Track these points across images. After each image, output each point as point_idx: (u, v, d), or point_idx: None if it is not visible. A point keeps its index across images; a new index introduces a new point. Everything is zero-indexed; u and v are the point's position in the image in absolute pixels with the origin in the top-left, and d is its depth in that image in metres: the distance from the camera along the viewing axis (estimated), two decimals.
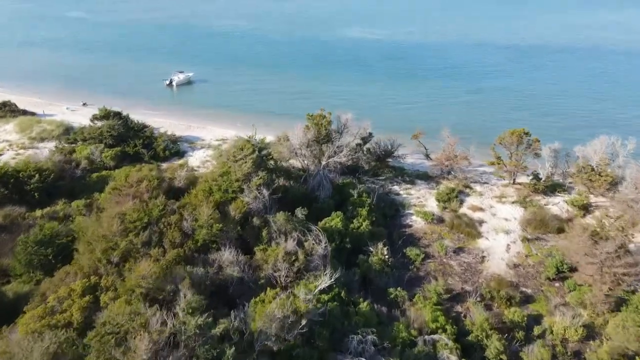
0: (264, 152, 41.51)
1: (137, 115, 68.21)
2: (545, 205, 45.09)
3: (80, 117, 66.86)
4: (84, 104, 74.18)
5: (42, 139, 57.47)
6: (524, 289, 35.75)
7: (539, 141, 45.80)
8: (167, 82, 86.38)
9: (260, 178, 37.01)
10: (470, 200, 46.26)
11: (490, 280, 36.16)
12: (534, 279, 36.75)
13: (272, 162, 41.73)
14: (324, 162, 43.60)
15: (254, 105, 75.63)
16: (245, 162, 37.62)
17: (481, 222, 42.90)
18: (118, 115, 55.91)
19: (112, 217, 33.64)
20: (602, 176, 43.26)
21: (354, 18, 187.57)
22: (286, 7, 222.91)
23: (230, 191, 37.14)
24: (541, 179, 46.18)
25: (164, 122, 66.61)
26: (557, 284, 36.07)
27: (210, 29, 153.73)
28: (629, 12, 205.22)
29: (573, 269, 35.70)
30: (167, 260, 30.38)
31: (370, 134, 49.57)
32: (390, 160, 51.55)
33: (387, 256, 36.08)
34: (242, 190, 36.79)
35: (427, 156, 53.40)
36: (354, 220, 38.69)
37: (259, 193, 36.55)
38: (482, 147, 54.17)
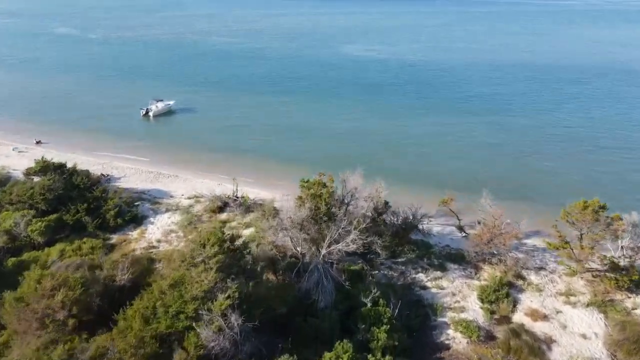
0: (239, 242, 29.04)
1: (97, 159, 56.86)
2: (633, 309, 32.33)
3: (27, 161, 54.67)
4: (37, 142, 62.12)
5: None
6: None
7: (621, 219, 33.20)
8: (143, 112, 74.47)
9: (229, 297, 24.41)
10: (527, 300, 33.45)
11: None
12: None
13: (249, 257, 29.10)
14: (323, 251, 31.02)
15: (241, 143, 63.43)
16: (207, 271, 25.09)
17: (549, 340, 30.05)
18: (60, 168, 43.56)
19: None
20: None
21: (356, 34, 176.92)
22: (282, 22, 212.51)
23: (182, 317, 24.55)
24: (623, 267, 33.47)
25: (129, 169, 54.40)
26: None
27: (204, 46, 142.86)
28: None
29: None
30: None
31: (387, 204, 37.10)
32: (412, 234, 38.98)
33: None
34: (198, 318, 24.21)
35: (461, 229, 40.82)
36: (370, 357, 25.91)
37: (226, 322, 23.95)
38: (515, 204, 42.01)
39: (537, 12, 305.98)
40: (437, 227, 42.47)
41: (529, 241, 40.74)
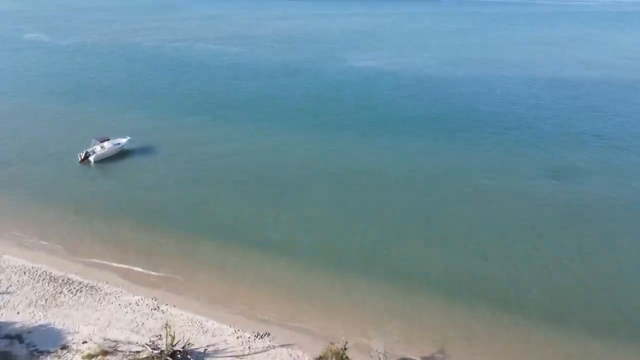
0: None
1: None
2: None
3: None
4: None
5: None
6: None
7: None
8: (82, 156, 54.54)
9: None
10: None
11: None
12: None
13: None
14: None
15: (211, 217, 42.95)
16: None
17: None
18: None
19: None
20: None
21: (361, 39, 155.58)
22: (279, 26, 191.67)
23: None
24: None
25: (20, 273, 34.32)
26: None
27: (189, 56, 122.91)
28: None
29: None
30: None
31: None
32: None
33: None
34: None
35: None
36: None
37: None
38: None
39: (554, 14, 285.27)
40: None
41: None
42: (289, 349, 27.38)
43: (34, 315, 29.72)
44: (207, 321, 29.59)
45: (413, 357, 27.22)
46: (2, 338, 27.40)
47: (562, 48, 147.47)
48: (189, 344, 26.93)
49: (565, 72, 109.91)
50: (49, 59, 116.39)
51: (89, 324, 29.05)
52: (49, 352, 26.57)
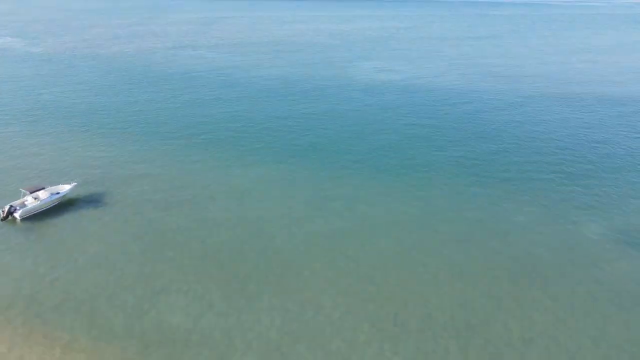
0: None
1: None
2: None
3: None
4: None
5: None
6: None
7: None
8: (4, 211, 40.59)
9: None
10: None
11: None
12: None
13: None
14: None
15: (152, 345, 29.47)
16: None
17: None
18: None
19: None
20: None
21: (367, 46, 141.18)
22: (274, 29, 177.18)
23: None
24: None
25: None
26: None
27: (171, 66, 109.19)
28: None
29: None
30: None
31: None
32: None
33: None
34: None
35: None
36: None
37: None
38: None
39: (573, 16, 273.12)
40: None
41: None
42: None
43: None
44: None
45: None
46: None
47: (602, 56, 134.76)
48: None
49: (607, 87, 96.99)
50: (11, 70, 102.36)
51: None
52: None
